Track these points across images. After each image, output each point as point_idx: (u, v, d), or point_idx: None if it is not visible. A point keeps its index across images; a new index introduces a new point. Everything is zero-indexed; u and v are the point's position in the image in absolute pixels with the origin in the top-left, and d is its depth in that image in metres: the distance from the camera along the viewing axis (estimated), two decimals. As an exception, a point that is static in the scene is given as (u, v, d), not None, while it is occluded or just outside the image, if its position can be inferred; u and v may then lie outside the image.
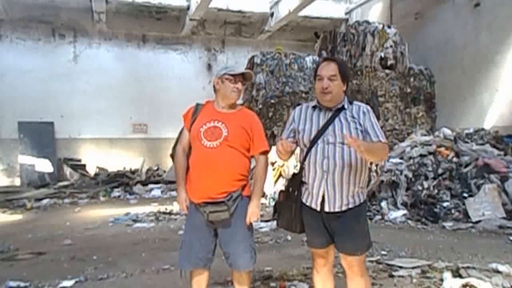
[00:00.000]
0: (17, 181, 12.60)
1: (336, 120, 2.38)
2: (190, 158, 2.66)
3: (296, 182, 2.47)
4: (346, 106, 2.43)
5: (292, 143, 2.40)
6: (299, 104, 2.77)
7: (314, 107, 2.50)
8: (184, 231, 2.76)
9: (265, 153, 2.67)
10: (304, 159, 2.43)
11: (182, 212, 2.82)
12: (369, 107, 2.47)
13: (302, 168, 2.44)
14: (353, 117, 2.38)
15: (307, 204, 2.42)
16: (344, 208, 2.32)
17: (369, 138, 2.33)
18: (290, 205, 2.47)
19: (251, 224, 2.63)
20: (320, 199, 2.36)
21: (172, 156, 2.78)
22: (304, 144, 2.45)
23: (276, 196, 9.08)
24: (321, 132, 2.37)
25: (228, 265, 2.65)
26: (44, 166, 12.71)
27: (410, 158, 7.47)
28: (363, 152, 2.15)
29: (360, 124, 2.36)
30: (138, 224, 6.71)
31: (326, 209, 2.34)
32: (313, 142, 2.38)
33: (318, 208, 2.36)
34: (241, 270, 2.61)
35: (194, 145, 2.63)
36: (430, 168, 7.10)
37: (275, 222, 6.81)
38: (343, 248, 2.38)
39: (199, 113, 2.68)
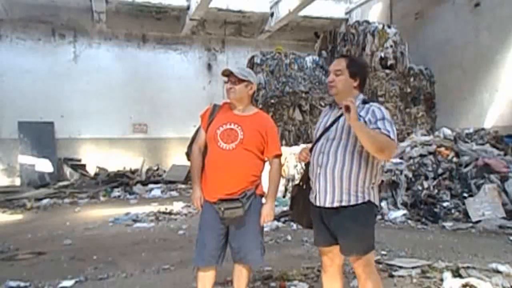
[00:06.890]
0: (17, 181, 12.60)
1: (342, 117, 2.32)
2: (206, 158, 2.72)
3: (304, 176, 2.54)
4: (356, 104, 2.30)
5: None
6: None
7: (330, 105, 2.55)
8: (198, 229, 2.79)
9: (278, 156, 2.76)
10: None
11: (195, 210, 2.87)
12: (383, 108, 2.34)
13: (309, 163, 2.49)
14: (359, 115, 2.27)
15: (311, 199, 2.45)
16: (336, 204, 2.30)
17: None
18: (299, 199, 2.55)
19: None
20: (316, 194, 2.39)
21: (188, 154, 2.84)
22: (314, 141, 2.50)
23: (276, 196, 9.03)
24: (327, 129, 2.40)
25: (236, 260, 2.70)
26: (44, 166, 12.71)
27: (410, 158, 7.46)
28: (353, 122, 2.14)
29: (365, 122, 2.25)
30: (138, 224, 6.70)
31: (317, 203, 2.37)
32: (318, 138, 2.43)
33: (315, 203, 2.40)
34: (250, 264, 2.71)
35: (210, 146, 2.69)
36: (430, 168, 7.10)
37: (275, 222, 6.82)
38: (340, 249, 2.37)
39: (216, 114, 2.74)
